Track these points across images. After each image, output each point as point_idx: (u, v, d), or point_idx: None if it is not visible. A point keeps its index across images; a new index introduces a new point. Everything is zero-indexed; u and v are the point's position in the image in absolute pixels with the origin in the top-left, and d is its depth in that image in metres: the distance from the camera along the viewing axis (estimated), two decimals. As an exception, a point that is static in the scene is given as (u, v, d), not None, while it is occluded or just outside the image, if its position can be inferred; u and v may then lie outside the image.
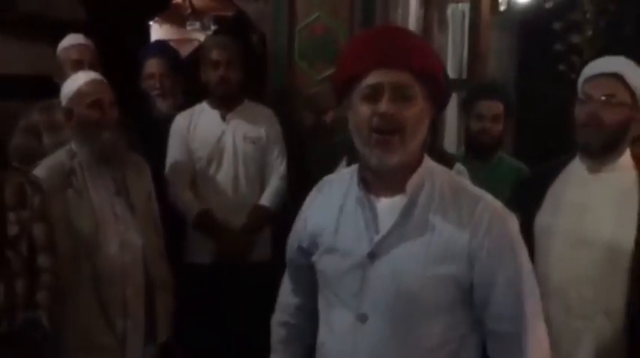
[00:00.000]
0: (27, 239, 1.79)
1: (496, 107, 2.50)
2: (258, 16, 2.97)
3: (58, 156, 2.06)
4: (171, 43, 3.37)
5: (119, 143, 2.10)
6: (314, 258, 1.36)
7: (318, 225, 1.35)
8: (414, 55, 1.22)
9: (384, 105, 1.20)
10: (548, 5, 4.66)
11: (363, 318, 1.26)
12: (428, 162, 1.30)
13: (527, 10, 4.71)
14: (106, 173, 2.08)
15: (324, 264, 1.33)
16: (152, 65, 2.73)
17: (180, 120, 2.61)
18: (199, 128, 2.59)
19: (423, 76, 1.22)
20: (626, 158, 1.85)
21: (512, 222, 1.28)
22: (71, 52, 2.48)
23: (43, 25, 2.89)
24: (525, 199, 1.93)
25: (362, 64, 1.23)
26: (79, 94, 2.02)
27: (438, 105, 1.33)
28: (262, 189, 2.62)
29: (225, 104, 2.60)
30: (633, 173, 1.84)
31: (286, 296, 1.53)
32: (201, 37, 5.87)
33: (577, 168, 1.90)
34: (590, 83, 1.83)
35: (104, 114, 2.02)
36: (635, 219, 1.76)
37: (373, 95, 1.22)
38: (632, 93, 1.78)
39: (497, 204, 1.28)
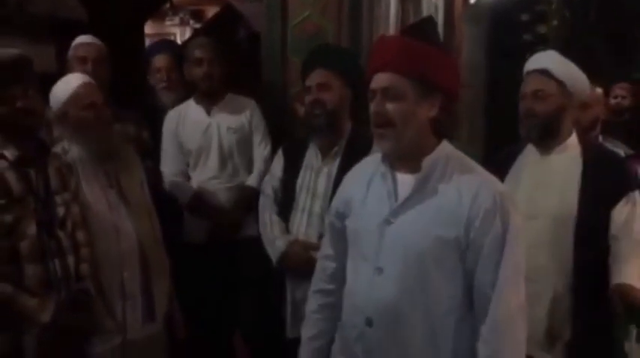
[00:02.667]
0: (70, 218, 1.97)
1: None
2: (252, 14, 3.13)
3: (55, 152, 2.14)
4: (150, 38, 3.55)
5: (111, 139, 2.22)
6: (347, 222, 1.62)
7: (352, 193, 1.63)
8: (396, 59, 1.48)
9: (373, 106, 1.51)
10: (519, -5, 4.88)
11: (379, 271, 1.51)
12: (445, 147, 1.54)
13: (496, 2, 4.92)
14: (98, 167, 2.18)
15: (354, 225, 1.60)
16: (159, 60, 2.94)
17: (170, 116, 2.85)
18: (187, 123, 2.82)
19: (410, 75, 1.47)
20: (572, 141, 2.10)
21: (507, 199, 1.50)
22: (78, 50, 2.65)
23: (50, 25, 3.03)
24: None
25: (369, 71, 1.55)
26: (75, 97, 2.13)
27: (450, 97, 1.54)
28: (249, 172, 2.85)
29: (210, 99, 2.82)
30: (578, 153, 2.08)
31: (324, 262, 1.76)
32: (179, 31, 5.98)
33: (531, 152, 2.15)
34: (525, 81, 2.11)
35: (98, 115, 2.15)
36: (577, 192, 2.01)
37: (372, 97, 1.52)
38: (561, 83, 2.04)
39: (495, 181, 1.53)
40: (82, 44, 2.66)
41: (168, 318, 2.35)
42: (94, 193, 2.15)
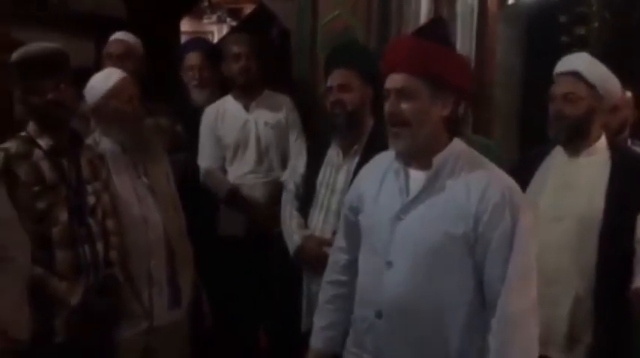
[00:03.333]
0: (101, 207, 2.06)
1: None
2: (284, 13, 3.19)
3: (88, 143, 2.22)
4: (188, 36, 3.64)
5: (142, 132, 2.31)
6: (360, 216, 1.66)
7: (365, 188, 1.67)
8: (410, 60, 1.51)
9: (387, 106, 1.54)
10: (558, -3, 4.80)
11: (389, 265, 1.54)
12: (457, 145, 1.57)
13: (534, 3, 4.85)
14: (128, 160, 2.26)
15: (366, 219, 1.64)
16: (192, 58, 3.01)
17: (208, 112, 2.91)
18: (225, 118, 2.88)
19: (424, 75, 1.50)
20: (601, 143, 2.09)
21: (516, 195, 1.52)
22: (110, 46, 2.77)
23: (91, 22, 3.15)
24: (516, 182, 2.18)
25: (384, 71, 1.57)
26: (115, 91, 2.21)
27: (461, 96, 1.58)
28: (284, 168, 2.90)
29: (247, 95, 2.88)
30: (607, 156, 2.07)
31: (337, 254, 1.80)
32: (217, 29, 6.09)
33: (559, 154, 2.14)
34: (555, 82, 2.10)
35: (134, 109, 2.24)
36: (604, 196, 2.00)
37: (387, 96, 1.55)
38: (591, 86, 2.03)
39: (505, 177, 1.54)
40: (114, 41, 2.77)
41: (195, 308, 2.42)
42: (124, 184, 2.22)
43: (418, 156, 1.57)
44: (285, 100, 2.92)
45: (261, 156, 2.86)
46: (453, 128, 1.58)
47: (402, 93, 1.52)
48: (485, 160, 1.61)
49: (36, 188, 1.90)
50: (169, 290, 2.29)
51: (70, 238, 1.95)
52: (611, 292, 1.96)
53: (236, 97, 2.90)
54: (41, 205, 1.91)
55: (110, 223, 2.10)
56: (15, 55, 1.93)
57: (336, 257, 1.81)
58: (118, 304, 2.07)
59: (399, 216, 1.55)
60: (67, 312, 1.92)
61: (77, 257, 1.96)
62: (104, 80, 2.24)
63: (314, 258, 2.27)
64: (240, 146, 2.87)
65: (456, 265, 1.51)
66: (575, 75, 2.05)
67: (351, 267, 1.75)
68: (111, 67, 2.43)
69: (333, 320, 1.78)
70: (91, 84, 2.26)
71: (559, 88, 2.08)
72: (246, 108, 2.89)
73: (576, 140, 2.08)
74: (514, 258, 1.47)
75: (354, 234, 1.73)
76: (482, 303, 1.53)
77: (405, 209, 1.55)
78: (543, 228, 2.02)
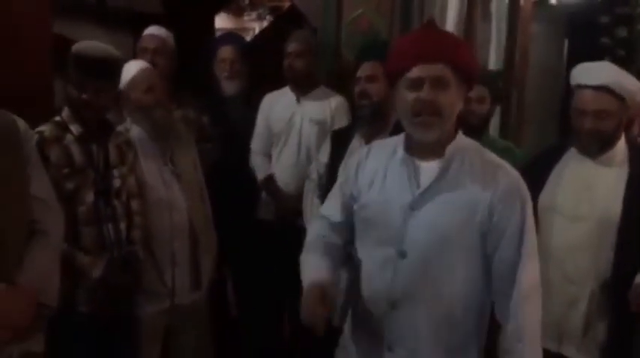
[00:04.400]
0: (126, 189, 2.19)
1: (480, 90, 2.59)
2: (310, 11, 3.27)
3: (120, 131, 2.32)
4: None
5: (168, 120, 2.39)
6: (358, 206, 1.66)
7: (367, 178, 1.66)
8: (446, 49, 1.52)
9: (424, 93, 1.51)
10: (598, -1, 4.69)
11: (403, 254, 1.56)
12: (462, 137, 1.61)
13: (574, 4, 4.76)
14: (155, 146, 2.35)
15: (372, 211, 1.63)
16: (225, 51, 3.11)
17: (267, 100, 3.04)
18: (278, 107, 3.00)
19: (455, 66, 1.52)
20: (620, 145, 2.08)
21: (523, 185, 1.57)
22: (143, 40, 2.88)
23: (127, 17, 3.28)
24: (531, 181, 2.17)
25: (406, 60, 1.54)
26: (134, 81, 2.30)
27: (470, 89, 1.62)
28: None
29: (301, 88, 2.97)
30: (625, 157, 2.06)
31: (330, 213, 1.74)
32: (257, 26, 6.20)
33: (576, 153, 2.12)
34: (582, 96, 2.04)
35: (156, 98, 2.32)
36: (622, 197, 1.99)
37: (416, 85, 1.52)
38: (621, 99, 1.99)
39: (514, 171, 1.59)
40: (147, 35, 2.88)
41: (220, 295, 2.53)
42: (151, 170, 2.33)
43: (432, 146, 1.57)
44: (336, 98, 2.98)
45: (302, 149, 2.94)
46: (459, 122, 1.61)
47: (438, 83, 1.50)
48: (490, 152, 1.64)
49: (65, 170, 2.04)
50: (191, 272, 2.39)
51: (95, 217, 2.08)
52: (627, 292, 1.95)
53: (291, 89, 3.01)
54: (69, 186, 2.04)
55: (135, 204, 2.22)
56: (77, 47, 2.04)
57: (330, 212, 1.74)
58: (137, 279, 2.19)
59: (411, 207, 1.56)
60: (89, 284, 2.05)
61: (101, 234, 2.09)
62: (125, 72, 2.33)
63: None
64: (284, 136, 2.96)
65: (468, 253, 1.54)
66: (606, 90, 1.98)
67: (341, 229, 1.72)
68: (140, 61, 2.53)
69: (329, 264, 1.67)
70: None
71: (590, 104, 2.01)
72: (298, 100, 2.98)
73: (604, 150, 2.07)
74: (524, 242, 1.52)
75: (348, 218, 1.72)
76: (487, 291, 1.57)
77: (418, 199, 1.56)
78: (561, 228, 2.07)
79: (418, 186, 1.56)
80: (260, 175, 2.99)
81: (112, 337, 2.15)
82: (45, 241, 1.79)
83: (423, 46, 1.53)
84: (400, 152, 1.61)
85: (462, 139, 1.60)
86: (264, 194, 3.03)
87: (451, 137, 1.58)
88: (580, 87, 2.06)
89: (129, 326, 2.24)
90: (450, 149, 1.56)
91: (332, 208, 1.77)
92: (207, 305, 2.52)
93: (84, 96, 2.04)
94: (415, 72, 1.51)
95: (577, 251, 2.03)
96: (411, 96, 1.52)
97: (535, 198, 2.06)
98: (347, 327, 1.76)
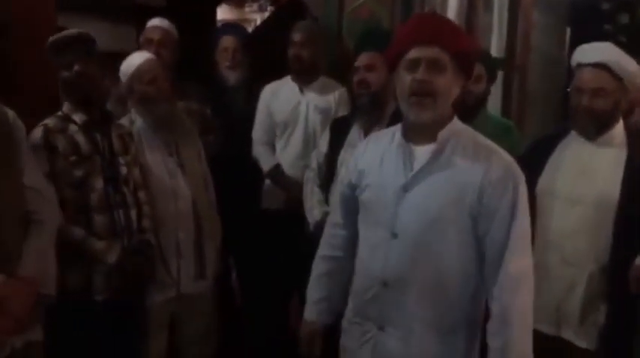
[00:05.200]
0: (132, 178, 2.22)
1: (478, 68, 2.54)
2: (311, 1, 3.28)
3: (121, 123, 2.36)
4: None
5: (172, 111, 2.41)
6: (359, 191, 1.72)
7: (366, 164, 1.72)
8: (444, 35, 1.56)
9: (420, 74, 1.55)
10: (600, -14, 4.66)
11: (395, 235, 1.61)
12: (457, 122, 1.64)
13: (577, -10, 4.73)
14: (160, 137, 2.38)
15: (368, 194, 1.69)
16: (227, 41, 3.13)
17: (267, 89, 3.05)
18: (281, 97, 3.01)
19: (452, 52, 1.56)
20: (618, 128, 2.08)
21: (516, 168, 1.59)
22: (147, 32, 2.90)
23: (131, 9, 3.31)
24: (530, 165, 2.13)
25: (405, 42, 1.59)
26: (137, 73, 2.32)
27: (469, 74, 1.65)
28: None
29: (303, 78, 2.99)
30: (624, 141, 2.07)
31: (334, 229, 1.86)
32: (259, 17, 6.20)
33: (575, 138, 2.13)
34: (580, 74, 2.05)
35: (159, 89, 2.34)
36: (620, 180, 2.00)
37: (413, 66, 1.57)
38: (619, 79, 2.00)
39: (505, 154, 1.61)
40: (151, 27, 2.90)
41: (224, 284, 2.55)
42: (155, 160, 2.36)
43: (426, 130, 1.60)
44: (338, 88, 3.00)
45: (308, 138, 2.96)
46: (456, 109, 1.64)
47: (434, 65, 1.55)
48: (484, 138, 1.67)
49: (73, 158, 2.07)
50: (195, 262, 2.42)
51: (106, 203, 2.12)
52: (625, 275, 1.97)
53: (293, 79, 3.03)
54: (78, 173, 2.08)
55: (142, 194, 2.26)
56: (49, 40, 2.12)
57: (333, 232, 1.86)
58: (149, 266, 2.24)
59: (404, 189, 1.61)
60: (105, 271, 2.09)
61: (113, 221, 2.13)
62: (127, 64, 2.38)
63: None
64: (289, 126, 2.99)
65: (459, 236, 1.57)
66: (604, 68, 1.99)
67: (348, 243, 1.81)
68: (144, 51, 2.56)
69: (327, 293, 1.84)
70: (122, 67, 2.40)
71: (587, 82, 2.02)
72: (301, 90, 3.00)
73: (601, 132, 2.08)
74: (515, 226, 1.55)
75: (351, 210, 1.79)
76: (479, 272, 1.60)
77: (411, 182, 1.60)
78: (560, 211, 2.08)
79: (412, 170, 1.61)
80: (265, 165, 3.01)
81: (124, 325, 2.19)
82: (41, 231, 1.82)
83: (422, 30, 1.59)
84: (398, 137, 1.66)
85: (456, 124, 1.64)
86: (267, 183, 3.05)
87: (446, 122, 1.61)
88: (579, 66, 2.07)
89: (138, 314, 2.28)
90: (443, 133, 1.59)
91: (336, 214, 1.86)
92: (213, 294, 2.56)
93: (75, 67, 2.08)
94: (412, 53, 1.56)
95: (576, 234, 2.04)
96: (408, 77, 1.57)
97: (534, 182, 2.13)
98: (347, 310, 1.81)
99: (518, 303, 1.55)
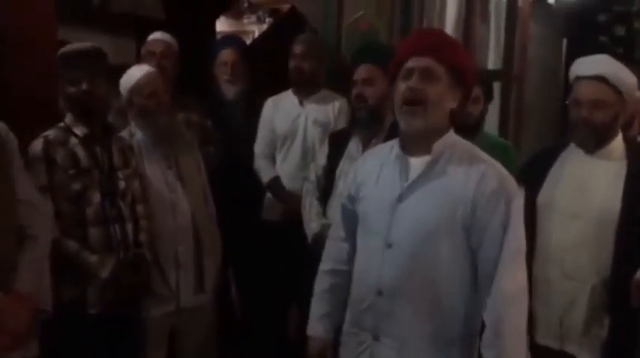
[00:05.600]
0: (130, 192, 2.22)
1: (474, 90, 2.58)
2: (310, 13, 3.30)
3: (123, 136, 2.37)
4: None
5: (172, 125, 2.42)
6: (357, 203, 1.74)
7: (364, 176, 1.75)
8: (441, 48, 1.61)
9: (412, 82, 1.59)
10: (596, -4, 4.71)
11: (389, 244, 1.62)
12: (452, 134, 1.66)
13: (574, 3, 4.78)
14: (159, 150, 2.38)
15: (366, 204, 1.72)
16: (226, 54, 3.14)
17: (269, 102, 3.07)
18: (281, 110, 3.03)
19: (448, 65, 1.59)
20: (617, 141, 2.09)
21: (511, 183, 1.60)
22: (148, 45, 2.91)
23: (131, 22, 3.31)
24: (530, 179, 2.18)
25: (404, 54, 1.64)
26: (137, 86, 2.33)
27: (467, 91, 1.67)
28: None
29: (304, 91, 3.00)
30: (623, 154, 2.07)
31: (336, 243, 1.87)
32: (257, 29, 6.22)
33: (574, 151, 2.13)
34: (579, 86, 2.06)
35: (159, 103, 2.34)
36: (621, 193, 2.00)
37: (408, 76, 1.61)
38: (618, 91, 2.01)
39: (501, 167, 1.63)
40: (152, 40, 2.91)
41: (224, 297, 2.54)
42: (155, 173, 2.37)
43: (421, 141, 1.63)
44: (339, 101, 3.01)
45: (306, 151, 2.96)
46: (454, 122, 1.66)
47: (426, 74, 1.59)
48: (480, 151, 1.69)
49: (72, 171, 2.08)
50: (195, 275, 2.41)
51: (102, 217, 2.12)
52: (626, 288, 1.96)
53: (294, 92, 3.04)
54: (76, 187, 2.08)
55: (140, 208, 2.25)
56: (60, 51, 2.14)
57: (335, 246, 1.88)
58: (144, 281, 2.22)
59: (399, 199, 1.63)
60: (99, 285, 2.08)
61: (108, 235, 2.12)
62: (128, 78, 2.38)
63: None
64: (288, 138, 2.99)
65: (453, 247, 1.58)
66: (602, 80, 2.00)
67: (350, 257, 1.82)
68: (146, 64, 2.57)
69: (331, 308, 1.85)
70: (122, 81, 2.41)
71: (587, 94, 2.02)
72: (301, 102, 3.01)
73: (600, 145, 2.08)
74: (508, 240, 1.55)
75: (351, 223, 1.80)
76: (476, 284, 1.60)
77: (405, 192, 1.63)
78: (561, 225, 2.08)
79: (407, 180, 1.63)
80: (265, 178, 3.01)
81: (120, 338, 2.18)
82: (35, 246, 1.82)
83: (419, 42, 1.66)
84: (395, 149, 1.69)
85: (452, 137, 1.66)
86: (267, 195, 3.06)
87: (441, 134, 1.63)
88: (578, 78, 2.08)
89: (135, 328, 2.27)
90: (438, 145, 1.61)
91: (338, 227, 1.88)
92: (212, 307, 2.55)
93: (83, 86, 2.08)
94: (408, 64, 1.62)
95: (576, 248, 2.04)
96: (402, 86, 1.62)
97: (534, 196, 2.13)
98: (345, 322, 1.81)
99: (511, 316, 1.55)
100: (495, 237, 1.55)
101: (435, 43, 1.62)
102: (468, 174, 1.58)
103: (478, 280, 1.60)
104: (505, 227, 1.55)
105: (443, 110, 1.61)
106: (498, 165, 1.63)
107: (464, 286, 1.60)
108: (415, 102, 1.58)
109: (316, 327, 1.86)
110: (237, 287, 3.29)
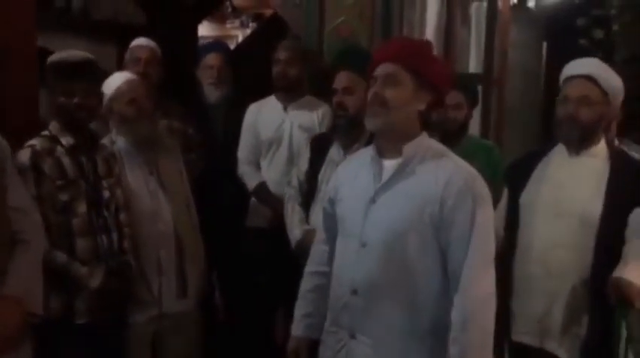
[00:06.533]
0: (114, 201, 2.22)
1: (457, 96, 2.70)
2: (292, 19, 3.32)
3: (102, 143, 2.35)
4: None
5: (153, 131, 2.42)
6: (336, 206, 1.80)
7: (342, 179, 1.81)
8: (405, 54, 1.67)
9: (374, 87, 1.68)
10: (577, 0, 4.79)
11: (363, 244, 1.67)
12: (425, 138, 1.71)
13: (551, 7, 4.85)
14: (140, 157, 2.38)
15: (343, 206, 1.77)
16: (211, 58, 3.15)
17: (252, 108, 3.07)
18: (265, 116, 3.03)
19: (411, 70, 1.65)
20: (601, 145, 2.13)
21: (479, 182, 1.65)
22: (133, 51, 2.90)
23: (112, 29, 3.31)
24: (513, 180, 2.25)
25: (374, 62, 1.72)
26: (118, 93, 2.34)
27: (438, 95, 1.71)
28: None
29: (287, 97, 3.01)
30: (606, 157, 2.12)
31: (319, 246, 1.93)
32: (240, 33, 6.23)
33: (559, 152, 2.18)
34: (568, 84, 2.11)
35: (140, 109, 2.34)
36: (603, 194, 2.05)
37: (374, 82, 1.69)
38: (605, 93, 2.06)
39: (469, 168, 1.68)
40: (137, 46, 2.91)
41: (208, 301, 2.54)
42: (136, 180, 2.37)
43: (391, 142, 1.69)
44: (322, 106, 3.02)
45: (292, 157, 2.96)
46: (426, 124, 1.71)
47: (388, 79, 1.66)
48: (451, 153, 1.74)
49: (59, 182, 2.07)
50: (177, 280, 2.42)
51: (89, 228, 2.12)
52: (605, 287, 1.97)
53: (277, 98, 3.05)
54: (64, 197, 2.08)
55: (123, 216, 2.26)
56: (52, 58, 2.11)
57: (318, 248, 1.94)
58: (130, 287, 2.24)
59: (372, 200, 1.69)
60: (87, 295, 2.09)
61: (95, 245, 2.13)
62: (107, 85, 2.39)
63: None
64: (274, 144, 3.00)
65: (424, 246, 1.62)
66: (591, 79, 2.06)
67: (331, 259, 1.85)
68: (129, 71, 2.58)
69: (314, 308, 1.89)
70: (102, 88, 2.40)
71: (574, 90, 2.07)
72: (285, 109, 3.02)
73: (584, 143, 2.11)
74: (475, 240, 1.59)
75: (332, 225, 1.85)
76: (448, 282, 1.63)
77: (378, 193, 1.68)
78: (544, 224, 2.11)
79: (380, 182, 1.69)
80: (251, 184, 3.02)
81: (105, 346, 2.18)
82: (27, 250, 1.82)
83: (385, 49, 1.75)
84: (371, 153, 1.74)
85: (425, 140, 1.71)
86: (252, 201, 3.06)
87: (412, 136, 1.68)
88: (567, 78, 2.13)
89: (120, 334, 2.27)
90: (408, 147, 1.67)
91: (320, 230, 1.94)
92: (197, 312, 2.55)
93: (75, 99, 2.08)
94: (376, 71, 1.70)
95: (558, 247, 2.07)
96: (370, 91, 1.70)
97: (518, 196, 2.18)
98: (326, 321, 1.84)
99: (478, 316, 1.58)
100: (462, 236, 1.60)
101: (401, 50, 1.70)
102: (437, 175, 1.63)
103: (448, 277, 1.64)
104: (472, 226, 1.59)
105: (407, 112, 1.67)
106: (468, 166, 1.68)
107: (435, 284, 1.64)
108: (376, 104, 1.66)
109: (297, 326, 1.92)
110: (222, 291, 3.28)
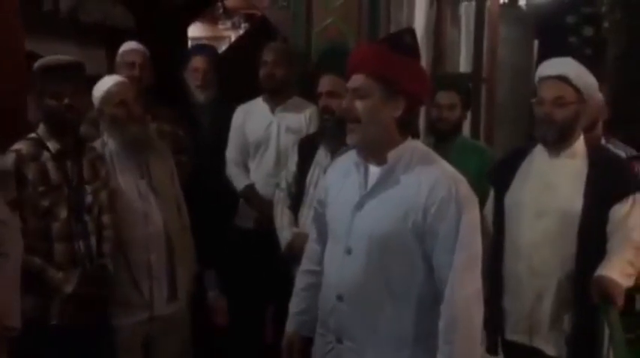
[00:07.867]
0: (97, 205, 2.23)
1: (451, 97, 2.70)
2: (280, 21, 3.33)
3: (94, 146, 2.37)
4: (205, 41, 3.79)
5: (143, 133, 2.41)
6: (325, 208, 1.81)
7: (331, 182, 1.81)
8: (367, 63, 1.63)
9: (343, 103, 1.67)
10: (566, -1, 4.81)
11: (349, 250, 1.68)
12: (410, 143, 1.68)
13: (544, 5, 4.87)
14: (132, 159, 2.38)
15: (330, 210, 1.78)
16: (198, 61, 3.17)
17: (240, 110, 3.08)
18: (252, 117, 3.05)
19: (376, 77, 1.61)
20: (579, 144, 2.17)
21: (463, 186, 1.63)
22: (126, 55, 2.90)
23: (101, 33, 3.32)
24: (498, 180, 2.28)
25: (348, 71, 1.69)
26: (107, 95, 2.34)
27: (415, 101, 1.67)
28: None
29: (275, 99, 3.02)
30: (585, 155, 2.15)
31: (311, 245, 1.94)
32: (233, 34, 6.24)
33: (540, 153, 2.21)
34: (542, 85, 2.15)
35: (129, 112, 2.35)
36: (582, 193, 2.08)
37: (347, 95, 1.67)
38: (578, 91, 2.10)
39: (453, 173, 1.66)
40: (129, 50, 2.91)
41: (200, 304, 2.54)
42: (127, 182, 2.37)
43: (373, 151, 1.67)
44: (310, 107, 3.02)
45: (280, 158, 2.98)
46: (407, 128, 1.69)
47: (356, 92, 1.64)
48: (439, 158, 1.72)
49: (41, 188, 2.08)
50: (168, 284, 2.42)
51: (68, 233, 2.13)
52: (588, 284, 2.00)
53: (265, 99, 3.06)
54: (45, 203, 2.09)
55: (106, 218, 2.26)
56: (39, 62, 2.12)
57: (311, 248, 1.95)
58: (107, 291, 2.24)
59: (357, 207, 1.68)
60: (62, 299, 2.09)
61: (73, 250, 2.13)
62: (97, 88, 2.39)
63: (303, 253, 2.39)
64: (262, 146, 3.02)
65: (408, 253, 1.62)
66: (564, 79, 2.09)
67: (322, 258, 1.85)
68: (119, 75, 2.58)
69: (306, 306, 1.90)
70: (93, 91, 2.41)
71: (549, 92, 2.11)
72: (272, 111, 3.03)
73: (562, 142, 2.15)
74: (459, 248, 1.58)
75: (322, 225, 1.85)
76: (434, 289, 1.63)
77: (362, 201, 1.68)
78: (527, 224, 2.15)
79: (366, 189, 1.68)
80: (239, 185, 3.03)
81: (87, 349, 2.18)
82: (5, 264, 1.82)
83: (351, 60, 1.70)
84: (357, 159, 1.73)
85: (409, 144, 1.68)
86: (241, 202, 3.07)
87: (395, 143, 1.66)
88: (541, 79, 2.17)
89: (104, 337, 2.27)
90: (392, 154, 1.65)
91: (312, 230, 1.95)
92: (188, 315, 2.56)
93: (65, 101, 2.09)
94: (348, 83, 1.68)
95: (542, 245, 2.10)
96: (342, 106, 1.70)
97: (503, 195, 2.21)
98: (317, 322, 1.85)
99: (463, 326, 1.58)
100: (447, 244, 1.59)
101: (362, 60, 1.65)
102: (421, 182, 1.61)
103: (433, 285, 1.63)
104: (456, 234, 1.58)
105: (382, 122, 1.64)
106: (454, 173, 1.66)
107: (421, 290, 1.63)
108: (350, 120, 1.65)
109: (290, 323, 1.93)
110: (223, 294, 3.27)
